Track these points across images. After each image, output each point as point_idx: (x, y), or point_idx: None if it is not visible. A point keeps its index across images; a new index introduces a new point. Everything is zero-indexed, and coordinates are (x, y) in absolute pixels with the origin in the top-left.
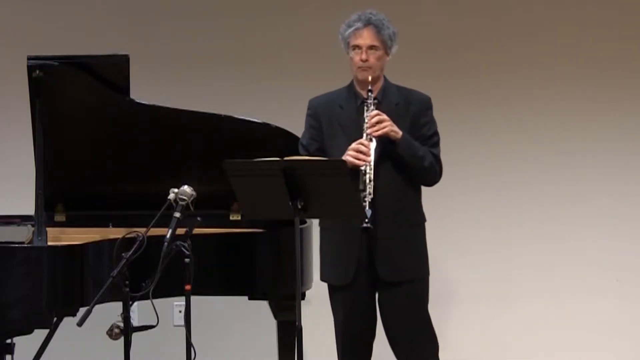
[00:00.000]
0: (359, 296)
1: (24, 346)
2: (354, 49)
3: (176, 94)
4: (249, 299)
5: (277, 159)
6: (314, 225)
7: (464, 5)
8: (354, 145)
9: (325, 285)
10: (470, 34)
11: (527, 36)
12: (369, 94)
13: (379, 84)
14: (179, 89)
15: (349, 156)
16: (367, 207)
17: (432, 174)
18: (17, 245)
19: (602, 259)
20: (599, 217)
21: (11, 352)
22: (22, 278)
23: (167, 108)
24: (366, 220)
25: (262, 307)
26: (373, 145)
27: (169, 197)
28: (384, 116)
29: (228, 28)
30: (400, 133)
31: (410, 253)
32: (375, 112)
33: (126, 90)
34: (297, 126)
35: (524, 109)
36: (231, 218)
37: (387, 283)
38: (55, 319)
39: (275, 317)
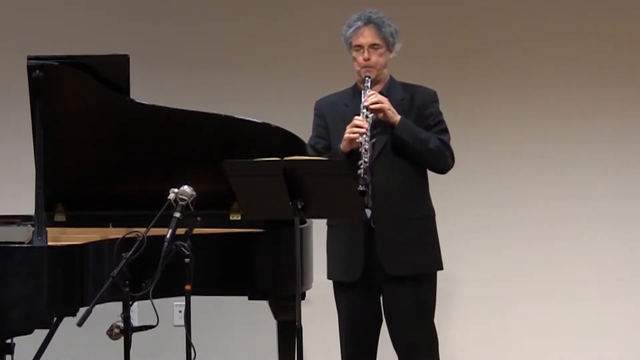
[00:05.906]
0: (366, 294)
1: (24, 346)
2: (356, 49)
3: (176, 94)
4: (249, 299)
5: (277, 159)
6: (314, 225)
7: (464, 5)
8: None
9: (325, 285)
10: (470, 34)
11: (528, 36)
12: (366, 77)
13: (384, 82)
14: (179, 89)
15: (345, 134)
16: (362, 175)
17: (442, 158)
18: (17, 245)
19: (603, 259)
20: (599, 217)
21: (11, 352)
22: (22, 278)
23: (167, 108)
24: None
25: (262, 307)
26: (369, 120)
27: (169, 197)
28: (380, 96)
29: (228, 28)
30: (399, 116)
31: (416, 248)
32: (372, 91)
33: (126, 90)
34: (297, 126)
35: (525, 108)
36: (231, 218)
37: (392, 279)
38: (55, 319)
39: (275, 317)
